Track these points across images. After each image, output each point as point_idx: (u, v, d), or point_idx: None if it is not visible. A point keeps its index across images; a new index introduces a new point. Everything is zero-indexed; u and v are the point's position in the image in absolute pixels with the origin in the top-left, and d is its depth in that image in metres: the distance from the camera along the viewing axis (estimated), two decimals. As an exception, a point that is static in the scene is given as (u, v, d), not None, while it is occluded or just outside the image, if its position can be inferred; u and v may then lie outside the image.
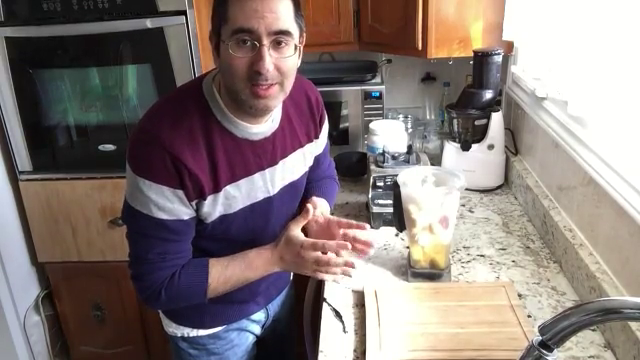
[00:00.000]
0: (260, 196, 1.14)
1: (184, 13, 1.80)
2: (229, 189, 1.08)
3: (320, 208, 1.27)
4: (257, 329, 1.40)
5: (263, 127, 1.10)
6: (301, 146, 1.21)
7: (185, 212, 1.05)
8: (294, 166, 1.20)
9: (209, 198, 1.06)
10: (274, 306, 1.42)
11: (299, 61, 1.06)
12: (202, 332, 1.29)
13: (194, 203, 1.05)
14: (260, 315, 1.38)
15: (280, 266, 1.15)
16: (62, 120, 2.02)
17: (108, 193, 2.06)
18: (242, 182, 1.10)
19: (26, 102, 1.96)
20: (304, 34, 1.05)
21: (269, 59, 0.96)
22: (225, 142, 1.06)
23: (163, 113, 1.04)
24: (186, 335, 1.30)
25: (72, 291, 2.27)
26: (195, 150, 1.02)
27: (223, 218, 1.11)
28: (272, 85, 0.99)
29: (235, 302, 1.25)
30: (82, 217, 2.10)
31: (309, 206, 1.16)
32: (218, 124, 1.05)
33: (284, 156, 1.16)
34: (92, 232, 2.12)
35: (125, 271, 2.26)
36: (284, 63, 0.99)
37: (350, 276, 1.14)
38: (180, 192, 1.02)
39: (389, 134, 1.86)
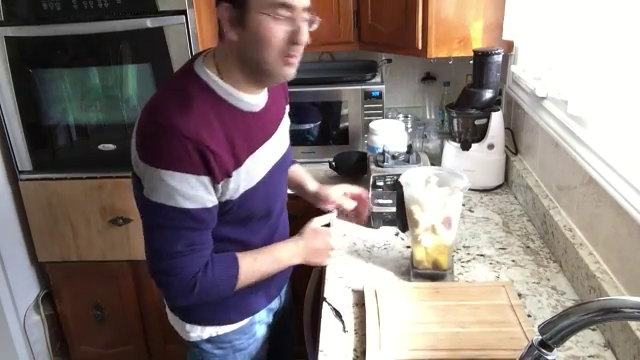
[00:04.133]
0: (269, 166, 1.19)
1: (184, 13, 1.80)
2: (249, 162, 1.11)
3: (311, 180, 1.50)
4: (270, 318, 1.40)
5: (260, 98, 1.15)
6: (282, 116, 1.29)
7: (209, 199, 1.06)
8: (283, 135, 1.27)
9: (234, 175, 1.08)
10: (284, 293, 1.45)
11: None
12: (229, 328, 1.28)
13: (220, 185, 1.07)
14: (275, 302, 1.40)
15: (305, 256, 1.26)
16: (62, 120, 2.02)
17: (108, 193, 2.06)
18: (257, 153, 1.14)
19: (26, 102, 1.96)
20: None
21: (307, 33, 1.05)
22: (235, 117, 1.09)
23: (168, 103, 1.05)
24: (214, 335, 1.27)
25: (72, 291, 2.27)
26: (212, 130, 1.03)
27: (246, 194, 1.13)
28: (297, 56, 1.07)
29: (255, 291, 1.25)
30: (82, 217, 2.10)
31: (335, 210, 1.41)
32: (224, 101, 1.08)
33: (277, 126, 1.23)
34: (92, 232, 2.12)
35: (125, 271, 2.26)
36: (307, 36, 1.07)
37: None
38: (205, 178, 1.03)
39: (389, 134, 1.86)
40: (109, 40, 1.86)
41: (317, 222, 1.28)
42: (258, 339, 1.35)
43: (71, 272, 2.22)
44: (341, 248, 1.30)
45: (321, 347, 1.17)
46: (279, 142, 1.24)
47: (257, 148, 1.14)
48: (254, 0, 1.00)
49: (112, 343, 2.35)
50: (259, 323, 1.34)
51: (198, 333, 1.28)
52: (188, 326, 1.28)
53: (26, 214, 2.12)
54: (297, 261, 1.24)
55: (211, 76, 1.08)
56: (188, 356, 1.37)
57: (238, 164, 1.09)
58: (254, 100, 1.13)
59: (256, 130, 1.14)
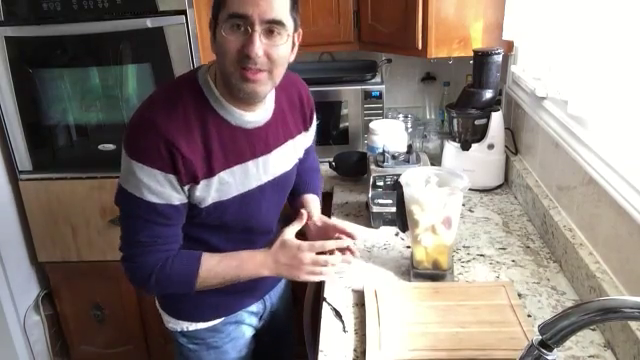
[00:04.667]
0: (253, 184, 1.17)
1: (184, 13, 1.80)
2: (223, 175, 1.11)
3: (317, 212, 1.34)
4: (255, 321, 1.41)
5: (257, 116, 1.14)
6: (292, 137, 1.25)
7: (176, 197, 1.08)
8: (286, 156, 1.24)
9: (202, 183, 1.09)
10: (272, 298, 1.44)
11: (292, 56, 1.10)
12: (201, 325, 1.30)
13: (187, 188, 1.08)
14: (258, 306, 1.39)
15: (273, 269, 1.18)
16: (62, 120, 2.02)
17: (108, 193, 2.06)
18: (236, 169, 1.13)
19: (26, 102, 1.96)
20: (299, 31, 1.09)
21: (259, 44, 1.00)
22: (220, 129, 1.09)
23: (159, 100, 1.08)
24: (185, 329, 1.31)
25: (72, 291, 2.27)
26: (189, 135, 1.05)
27: (217, 205, 1.13)
28: (261, 71, 1.03)
29: (231, 293, 1.25)
30: (82, 217, 2.10)
31: (303, 212, 1.25)
32: (213, 111, 1.09)
33: (277, 146, 1.20)
34: (92, 232, 2.12)
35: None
36: (274, 51, 1.02)
37: (343, 270, 1.19)
38: (172, 177, 1.05)
39: (389, 134, 1.86)
40: (109, 40, 1.85)
41: (289, 233, 1.19)
42: (236, 339, 1.35)
43: (71, 272, 2.22)
44: (317, 264, 1.16)
45: (321, 347, 1.17)
46: (276, 162, 1.21)
47: (238, 163, 1.13)
48: (221, 12, 1.02)
49: (112, 343, 2.35)
50: (236, 324, 1.35)
51: (173, 324, 1.32)
52: (166, 316, 1.32)
53: (26, 214, 2.12)
54: (266, 273, 1.18)
55: (209, 84, 1.09)
56: (174, 347, 1.40)
57: (210, 174, 1.09)
58: (248, 117, 1.12)
59: (243, 146, 1.13)
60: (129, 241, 1.11)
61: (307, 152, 1.36)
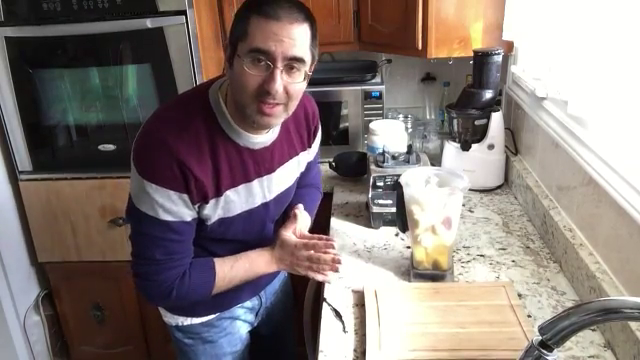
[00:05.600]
0: (257, 202, 1.20)
1: (184, 13, 1.80)
2: (229, 194, 1.13)
3: (304, 220, 1.30)
4: (251, 317, 1.42)
5: (264, 137, 1.15)
6: (297, 154, 1.27)
7: (188, 214, 1.09)
8: (289, 173, 1.26)
9: (211, 202, 1.11)
10: (268, 294, 1.45)
11: (305, 84, 1.08)
12: (196, 320, 1.32)
13: (197, 206, 1.10)
14: (253, 302, 1.41)
15: (278, 266, 1.24)
16: (62, 120, 2.02)
17: (108, 193, 2.06)
18: (241, 188, 1.14)
19: (26, 102, 1.96)
20: (315, 62, 1.08)
21: (280, 81, 1.00)
22: (227, 149, 1.10)
23: (170, 119, 1.07)
24: (180, 324, 1.32)
25: (72, 291, 2.27)
26: (200, 156, 1.06)
27: (222, 221, 1.15)
28: (278, 105, 1.04)
29: (227, 290, 1.25)
30: (82, 217, 2.10)
31: (297, 211, 1.27)
32: (222, 132, 1.09)
33: (281, 164, 1.22)
34: (92, 232, 2.12)
35: (125, 271, 2.25)
36: (292, 87, 1.03)
37: (337, 271, 1.21)
38: (185, 196, 1.06)
39: (389, 134, 1.86)
40: (109, 40, 1.85)
41: (285, 232, 1.23)
42: (231, 334, 1.37)
43: (71, 272, 2.22)
44: (310, 260, 1.20)
45: (321, 347, 1.17)
46: (279, 180, 1.22)
47: (243, 182, 1.14)
48: (240, 44, 1.01)
49: (112, 343, 2.35)
50: (231, 319, 1.36)
51: (168, 319, 1.33)
52: (162, 310, 1.34)
53: (26, 214, 2.12)
54: (274, 269, 1.24)
55: (220, 105, 1.09)
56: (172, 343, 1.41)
57: (218, 194, 1.11)
58: (256, 139, 1.13)
59: (249, 165, 1.14)
60: (143, 258, 1.11)
61: (309, 167, 1.36)
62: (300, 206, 1.31)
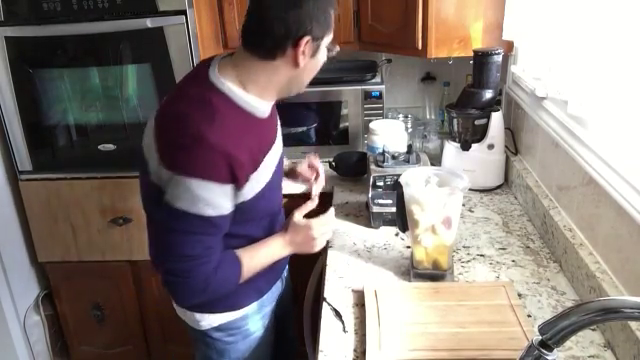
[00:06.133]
0: (274, 168, 1.27)
1: (184, 13, 1.80)
2: (261, 166, 1.19)
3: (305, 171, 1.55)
4: (274, 304, 1.45)
5: (269, 104, 1.23)
6: (277, 121, 1.36)
7: (227, 207, 1.13)
8: (280, 139, 1.35)
9: (251, 178, 1.16)
10: (284, 277, 1.51)
11: None
12: (238, 314, 1.33)
13: (240, 189, 1.14)
14: (277, 285, 1.45)
15: (291, 249, 1.32)
16: (62, 120, 2.02)
17: (108, 193, 2.06)
18: (267, 157, 1.22)
19: (26, 102, 1.96)
20: None
21: None
22: (250, 123, 1.16)
23: (194, 114, 1.09)
24: (224, 322, 1.32)
25: (72, 291, 2.27)
26: (235, 140, 1.10)
27: (256, 196, 1.19)
28: None
29: (260, 276, 1.30)
30: (82, 217, 2.10)
31: (315, 198, 1.44)
32: (242, 109, 1.15)
33: (277, 129, 1.32)
34: (92, 232, 2.12)
35: (125, 271, 2.26)
36: None
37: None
38: (228, 187, 1.10)
39: (389, 134, 1.86)
40: (109, 40, 1.86)
41: (297, 215, 1.33)
42: (265, 324, 1.41)
43: (71, 272, 2.22)
44: (324, 234, 1.34)
45: (321, 347, 1.17)
46: (279, 144, 1.32)
47: (267, 152, 1.21)
48: (326, 38, 1.17)
49: (112, 343, 2.35)
50: (265, 307, 1.39)
51: (209, 321, 1.32)
52: (198, 315, 1.31)
53: (26, 214, 2.12)
54: (287, 252, 1.32)
55: (231, 87, 1.14)
56: (198, 347, 1.40)
57: (255, 168, 1.16)
58: (266, 107, 1.21)
59: (265, 135, 1.23)
60: (180, 257, 1.12)
61: None
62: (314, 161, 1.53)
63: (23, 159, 2.05)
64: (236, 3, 2.03)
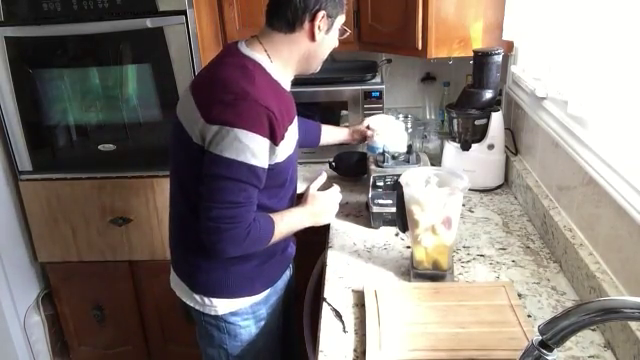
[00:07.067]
0: (295, 142, 1.37)
1: (184, 13, 1.80)
2: (290, 130, 1.30)
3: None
4: (283, 290, 1.52)
5: (289, 79, 1.37)
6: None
7: (267, 161, 1.24)
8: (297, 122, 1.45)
9: (286, 137, 1.27)
10: (291, 268, 1.58)
11: None
12: (253, 299, 1.41)
13: (276, 147, 1.24)
14: (287, 274, 1.53)
15: (310, 220, 1.42)
16: (62, 120, 2.02)
17: (108, 193, 2.06)
18: (292, 125, 1.33)
19: (26, 102, 1.96)
20: None
21: None
22: (279, 92, 1.30)
23: (236, 76, 1.23)
24: (240, 307, 1.39)
25: (72, 291, 2.27)
26: (271, 101, 1.22)
27: (287, 159, 1.31)
28: None
29: (273, 262, 1.42)
30: (82, 217, 2.10)
31: (324, 172, 1.52)
32: (272, 79, 1.29)
33: (295, 110, 1.41)
34: (92, 232, 2.12)
35: (125, 271, 2.26)
36: None
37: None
38: (268, 142, 1.22)
39: (389, 134, 1.86)
40: (109, 40, 1.86)
41: (313, 188, 1.46)
42: (275, 309, 1.48)
43: (71, 272, 2.22)
44: (335, 205, 1.49)
45: (321, 347, 1.17)
46: (297, 125, 1.41)
47: (293, 119, 1.34)
48: (339, 17, 1.33)
49: (112, 343, 2.35)
50: (276, 294, 1.47)
51: (227, 307, 1.38)
52: (215, 300, 1.38)
53: (26, 214, 2.12)
54: (306, 223, 1.41)
55: (260, 57, 1.29)
56: (208, 333, 1.43)
57: (286, 129, 1.28)
58: (288, 80, 1.36)
59: (290, 107, 1.34)
60: (228, 202, 1.20)
61: None
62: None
63: (23, 159, 2.05)
64: (236, 3, 2.03)
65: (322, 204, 1.45)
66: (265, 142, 1.21)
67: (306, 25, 1.26)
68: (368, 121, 1.84)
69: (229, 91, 1.20)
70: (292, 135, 1.33)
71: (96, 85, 1.96)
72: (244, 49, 1.29)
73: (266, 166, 1.24)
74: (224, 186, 1.20)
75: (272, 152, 1.25)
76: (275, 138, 1.23)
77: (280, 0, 1.27)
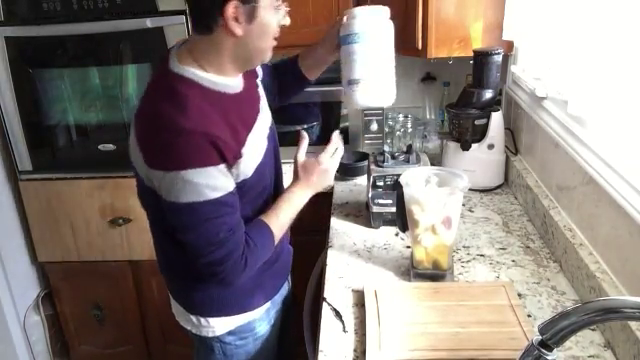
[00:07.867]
0: (265, 140, 1.26)
1: (184, 13, 1.80)
2: (251, 138, 1.18)
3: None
4: (281, 303, 1.45)
5: (238, 79, 1.21)
6: (259, 91, 1.33)
7: (230, 184, 1.13)
8: (266, 108, 1.33)
9: (244, 153, 1.14)
10: (289, 281, 1.50)
11: None
12: (252, 315, 1.33)
13: (234, 168, 1.13)
14: (285, 287, 1.46)
15: (310, 191, 1.32)
16: (62, 120, 2.02)
17: (108, 193, 2.06)
18: (255, 128, 1.20)
19: (26, 102, 1.96)
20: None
21: None
22: (225, 102, 1.15)
23: (163, 106, 1.09)
24: (238, 324, 1.31)
25: (72, 291, 2.27)
26: (212, 120, 1.09)
27: (257, 169, 1.20)
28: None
29: (271, 274, 1.34)
30: (82, 217, 2.10)
31: (303, 133, 1.38)
32: (211, 90, 1.14)
33: (259, 100, 1.30)
34: (92, 232, 2.12)
35: (125, 271, 2.26)
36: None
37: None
38: (222, 166, 1.10)
39: (367, 20, 1.45)
40: (109, 40, 1.86)
41: (300, 157, 1.34)
42: (273, 324, 1.41)
43: (71, 272, 2.22)
44: (334, 163, 1.35)
45: (321, 347, 1.17)
46: (266, 114, 1.31)
47: (253, 124, 1.21)
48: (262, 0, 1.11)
49: (112, 343, 2.36)
50: (273, 308, 1.39)
51: (223, 326, 1.31)
52: (212, 320, 1.30)
53: (26, 214, 2.12)
54: (308, 195, 1.32)
55: (193, 71, 1.13)
56: (203, 356, 1.37)
57: (243, 143, 1.15)
58: (235, 82, 1.19)
59: (247, 108, 1.22)
60: (210, 246, 1.12)
61: (266, 83, 1.41)
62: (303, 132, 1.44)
63: (23, 159, 2.05)
64: (236, 3, 2.03)
65: (316, 170, 1.32)
66: (219, 169, 1.09)
67: (221, 22, 1.08)
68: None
69: (162, 129, 1.06)
70: (256, 141, 1.20)
71: (96, 85, 1.96)
72: (174, 66, 1.13)
73: (232, 188, 1.13)
74: (200, 232, 1.10)
75: (235, 172, 1.14)
76: (228, 160, 1.10)
77: (190, 4, 1.13)
